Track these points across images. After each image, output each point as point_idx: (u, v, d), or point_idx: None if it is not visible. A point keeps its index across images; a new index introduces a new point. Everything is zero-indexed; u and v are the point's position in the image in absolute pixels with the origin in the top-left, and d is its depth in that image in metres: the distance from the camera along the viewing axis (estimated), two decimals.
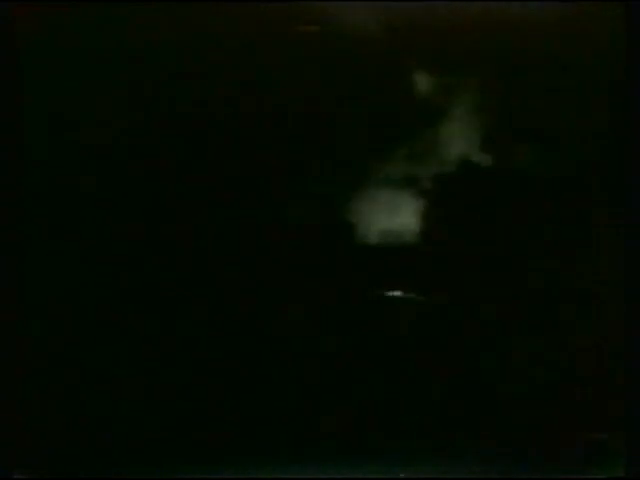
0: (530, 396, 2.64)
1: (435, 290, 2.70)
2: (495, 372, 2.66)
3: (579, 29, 2.76)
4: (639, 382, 2.44)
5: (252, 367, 2.67)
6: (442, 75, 2.77)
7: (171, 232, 2.73)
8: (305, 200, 2.75)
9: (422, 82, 2.77)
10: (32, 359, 2.65)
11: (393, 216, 2.74)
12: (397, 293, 2.69)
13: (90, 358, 2.69)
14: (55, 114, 2.76)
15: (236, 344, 2.69)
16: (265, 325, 2.69)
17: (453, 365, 2.67)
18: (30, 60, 2.71)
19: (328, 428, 2.62)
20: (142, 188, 2.75)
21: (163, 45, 2.77)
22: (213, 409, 2.69)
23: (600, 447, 2.61)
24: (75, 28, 2.75)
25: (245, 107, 2.77)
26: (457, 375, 2.67)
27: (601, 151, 2.72)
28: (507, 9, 2.76)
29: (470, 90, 2.76)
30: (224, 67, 2.79)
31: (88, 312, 2.72)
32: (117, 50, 2.76)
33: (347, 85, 2.79)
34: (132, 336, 2.72)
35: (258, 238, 2.72)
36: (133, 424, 2.67)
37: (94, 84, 2.77)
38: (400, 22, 2.75)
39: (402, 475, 2.58)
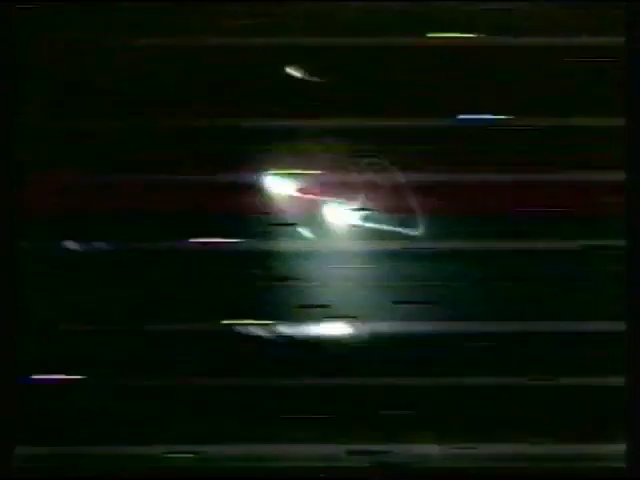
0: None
1: None
2: None
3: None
4: (639, 383, 2.44)
5: None
6: None
7: None
8: None
9: None
10: (32, 357, 2.66)
11: None
12: None
13: (91, 357, 2.71)
14: (54, 115, 2.76)
15: None
16: None
17: None
18: (29, 59, 2.71)
19: None
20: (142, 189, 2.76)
21: (161, 44, 2.77)
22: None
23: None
24: (75, 29, 2.76)
25: None
26: None
27: None
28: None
29: None
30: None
31: (87, 312, 2.73)
32: (116, 51, 2.77)
33: None
34: (132, 334, 2.73)
35: None
36: (133, 424, 2.68)
37: (94, 84, 2.77)
38: None
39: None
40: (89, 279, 2.72)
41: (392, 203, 2.72)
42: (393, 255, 2.70)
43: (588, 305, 2.68)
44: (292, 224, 2.72)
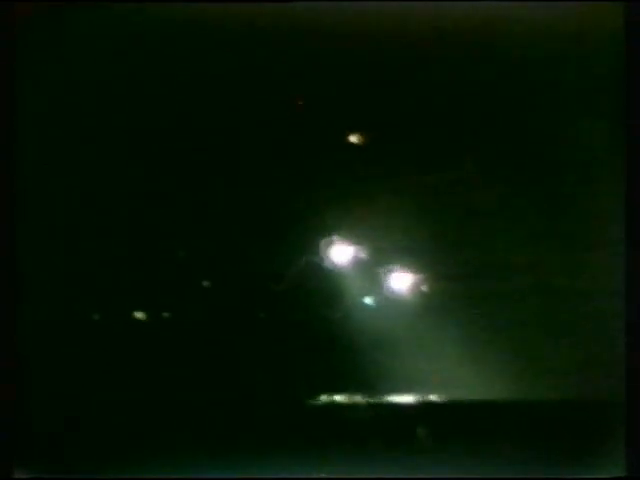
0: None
1: None
2: None
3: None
4: (639, 382, 2.44)
5: None
6: None
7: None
8: None
9: None
10: (32, 359, 2.66)
11: None
12: None
13: (91, 358, 2.70)
14: (53, 115, 2.76)
15: None
16: None
17: None
18: (29, 61, 2.71)
19: None
20: (140, 192, 2.77)
21: (161, 45, 2.77)
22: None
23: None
24: (75, 29, 2.76)
25: None
26: None
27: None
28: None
29: None
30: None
31: (87, 314, 2.73)
32: (116, 51, 2.77)
33: None
34: (132, 336, 2.73)
35: None
36: (134, 423, 2.68)
37: (93, 85, 2.77)
38: None
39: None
40: None
41: None
42: None
43: None
44: None
